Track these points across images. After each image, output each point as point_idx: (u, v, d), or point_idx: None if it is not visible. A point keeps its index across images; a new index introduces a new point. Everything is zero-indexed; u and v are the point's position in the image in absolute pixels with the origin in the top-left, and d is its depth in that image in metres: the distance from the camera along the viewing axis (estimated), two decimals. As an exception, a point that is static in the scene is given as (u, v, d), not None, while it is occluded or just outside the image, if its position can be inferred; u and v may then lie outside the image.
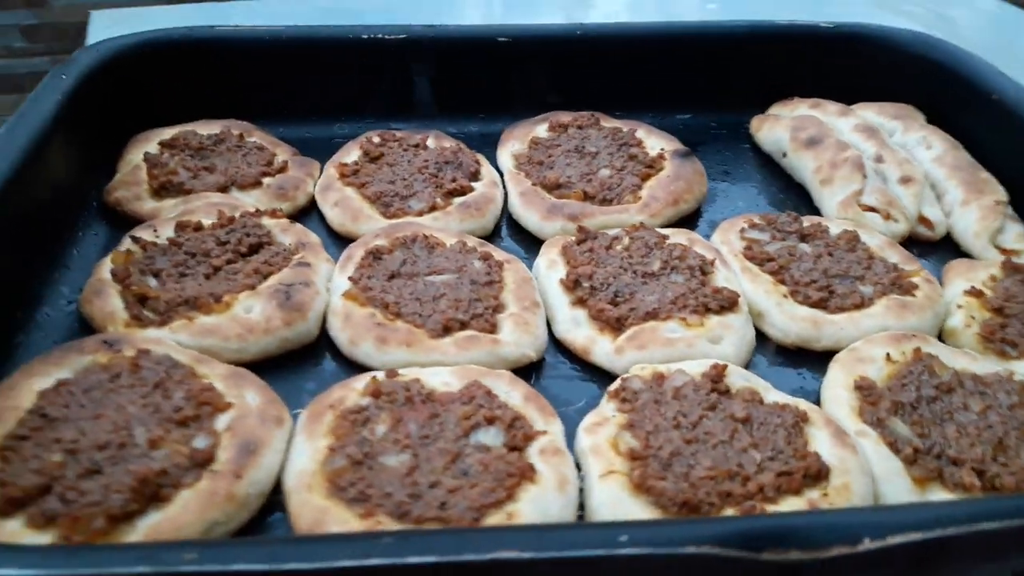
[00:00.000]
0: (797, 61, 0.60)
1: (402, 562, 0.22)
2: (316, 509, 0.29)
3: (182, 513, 0.28)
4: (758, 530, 0.24)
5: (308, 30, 0.55)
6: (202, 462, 0.29)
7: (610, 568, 0.23)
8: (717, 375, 0.35)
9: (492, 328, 0.38)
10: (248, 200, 0.45)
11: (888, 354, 0.38)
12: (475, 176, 0.49)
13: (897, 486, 0.32)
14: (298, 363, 0.38)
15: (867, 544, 0.24)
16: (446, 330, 0.38)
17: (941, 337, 0.42)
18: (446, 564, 0.22)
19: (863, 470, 0.32)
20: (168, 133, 0.49)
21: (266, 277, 0.39)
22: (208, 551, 0.22)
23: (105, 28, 0.71)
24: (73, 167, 0.44)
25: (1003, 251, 0.47)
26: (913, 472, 0.33)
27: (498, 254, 0.43)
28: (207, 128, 0.50)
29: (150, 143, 0.48)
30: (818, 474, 0.31)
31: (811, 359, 0.41)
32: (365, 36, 0.54)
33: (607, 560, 0.23)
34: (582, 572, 0.23)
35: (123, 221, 0.45)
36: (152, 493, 0.28)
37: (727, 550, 0.23)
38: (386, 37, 0.55)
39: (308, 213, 0.48)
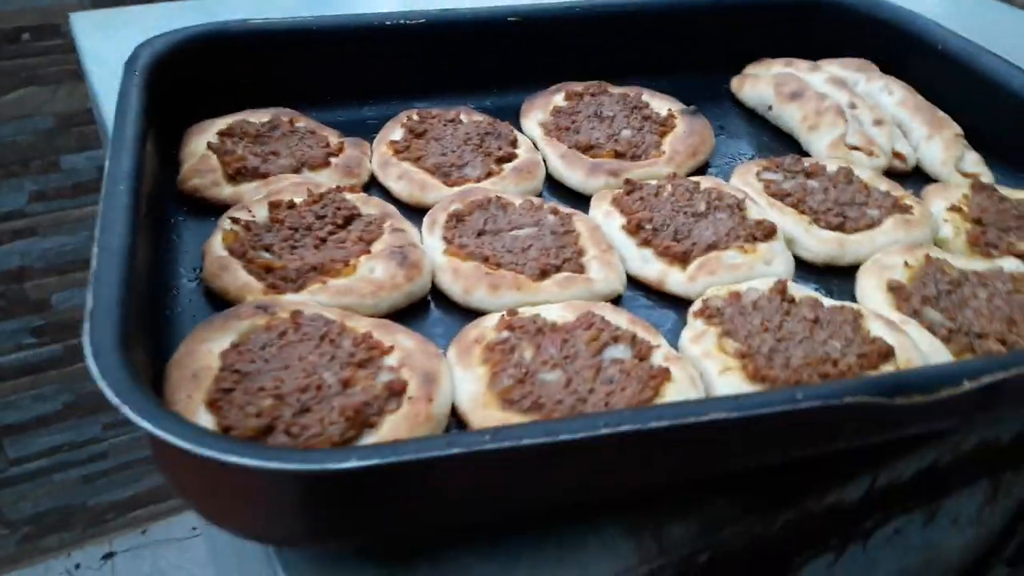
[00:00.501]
0: (765, 27, 0.67)
1: (647, 427, 0.27)
2: (500, 420, 0.34)
3: (394, 433, 0.32)
4: (889, 382, 0.30)
5: (334, 19, 0.57)
6: (398, 391, 0.34)
7: (791, 420, 0.29)
8: (782, 288, 0.42)
9: (581, 269, 0.44)
10: (321, 179, 0.49)
11: (905, 261, 0.46)
12: (514, 144, 0.54)
13: (942, 358, 0.40)
14: (415, 316, 0.42)
15: (966, 385, 0.31)
16: (543, 274, 0.43)
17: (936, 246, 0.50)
18: (677, 426, 0.27)
19: (916, 348, 0.39)
20: (223, 123, 0.51)
21: (370, 243, 0.43)
22: (498, 433, 0.26)
23: (89, 31, 0.72)
24: (153, 160, 0.46)
25: (965, 175, 0.56)
26: (951, 348, 0.40)
27: (563, 208, 0.48)
28: (257, 116, 0.52)
29: (208, 133, 0.50)
30: (888, 353, 0.38)
31: (838, 274, 0.48)
32: (388, 23, 0.58)
33: (792, 413, 0.28)
34: (770, 424, 0.29)
35: (202, 208, 0.47)
36: (364, 421, 0.32)
37: (872, 398, 0.29)
38: (407, 23, 0.58)
39: (368, 190, 0.52)
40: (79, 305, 1.40)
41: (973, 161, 0.57)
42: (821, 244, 0.48)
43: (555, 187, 0.54)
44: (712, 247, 0.45)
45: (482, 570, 0.31)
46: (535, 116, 0.58)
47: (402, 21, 0.58)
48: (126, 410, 0.26)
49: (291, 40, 0.56)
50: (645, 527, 0.33)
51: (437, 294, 0.43)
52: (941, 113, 0.59)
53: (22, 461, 1.42)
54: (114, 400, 0.27)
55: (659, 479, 0.31)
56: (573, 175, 0.53)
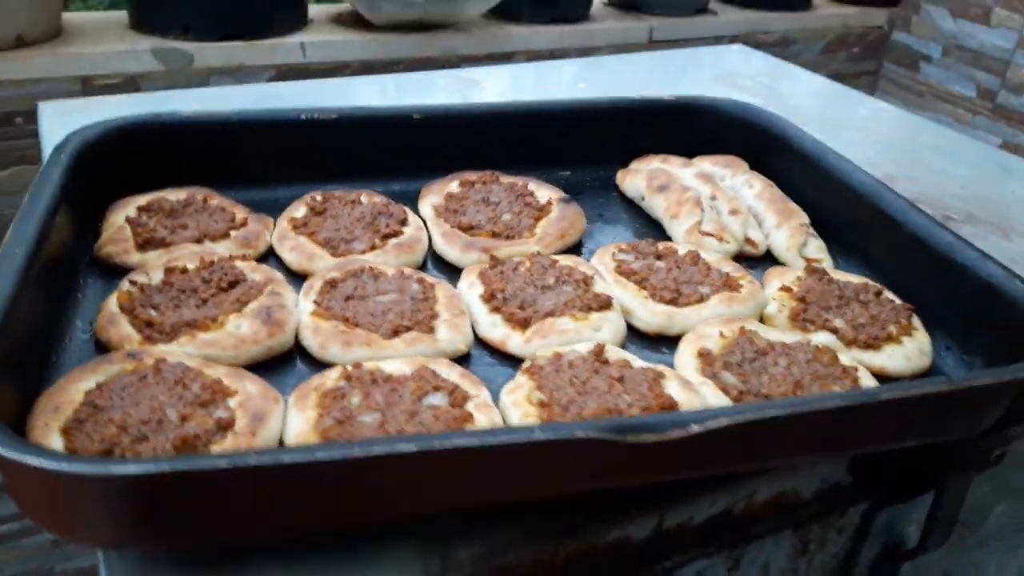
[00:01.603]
0: (649, 126, 0.75)
1: (396, 451, 0.32)
2: (315, 454, 0.39)
3: (216, 461, 0.38)
4: (624, 424, 0.36)
5: (255, 113, 0.66)
6: (225, 426, 0.39)
7: (528, 450, 0.34)
8: (599, 351, 0.48)
9: (431, 330, 0.50)
10: (220, 249, 0.55)
11: (720, 332, 0.52)
12: (403, 222, 0.61)
13: (728, 415, 0.45)
14: (278, 367, 0.48)
15: (694, 428, 0.36)
16: (395, 333, 0.49)
17: (762, 322, 0.56)
18: (428, 451, 0.33)
19: (703, 405, 0.45)
20: (143, 199, 0.59)
21: (246, 304, 0.49)
22: (262, 452, 0.32)
23: (53, 118, 0.80)
24: (68, 229, 0.54)
25: (807, 260, 0.63)
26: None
27: (429, 278, 0.55)
28: (175, 195, 0.60)
29: (129, 208, 0.58)
30: (671, 406, 0.44)
31: (667, 343, 0.54)
32: (304, 116, 0.66)
33: (527, 444, 0.34)
34: (509, 455, 0.35)
35: (113, 271, 0.54)
36: (191, 450, 0.38)
37: (603, 434, 0.35)
38: (320, 117, 0.67)
39: (266, 259, 0.59)
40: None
41: (816, 248, 0.63)
42: (653, 316, 0.54)
43: (439, 262, 0.61)
44: (550, 314, 0.51)
45: (280, 580, 0.36)
46: (430, 200, 0.65)
47: (316, 116, 0.66)
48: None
49: (214, 130, 0.64)
50: (434, 549, 0.38)
51: (303, 351, 0.50)
52: (792, 204, 0.66)
53: (-9, 524, 1.45)
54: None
55: (430, 504, 0.37)
56: (451, 250, 0.60)
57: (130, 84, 1.33)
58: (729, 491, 0.45)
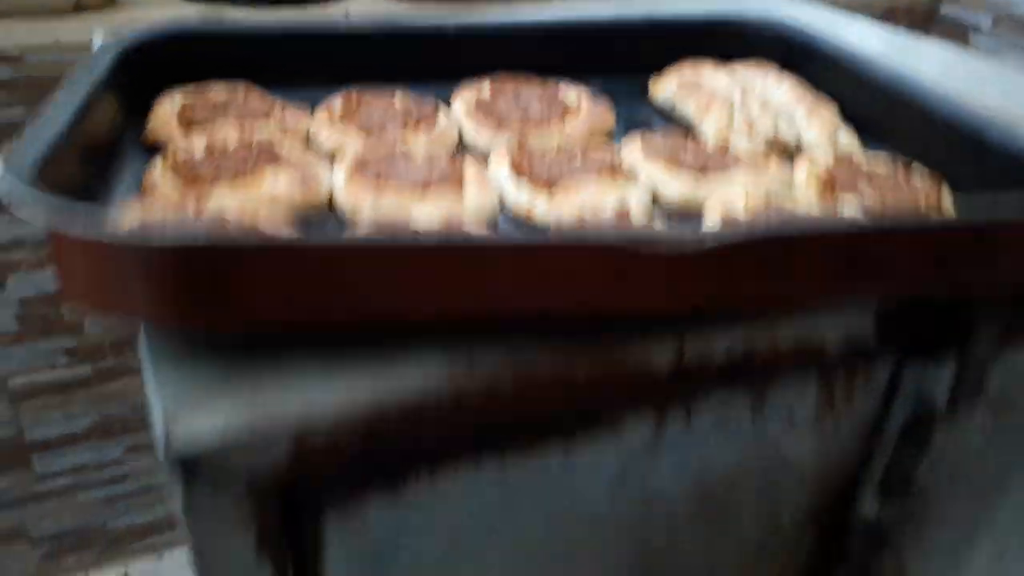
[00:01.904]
0: (685, 41, 0.76)
1: (418, 242, 0.34)
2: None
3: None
4: (640, 235, 0.37)
5: (296, 22, 0.69)
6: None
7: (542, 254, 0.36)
8: (624, 214, 0.49)
9: (460, 187, 0.52)
10: (259, 134, 0.58)
11: (746, 196, 0.52)
12: (435, 114, 0.63)
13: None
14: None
15: (710, 242, 0.37)
16: (425, 187, 0.51)
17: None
18: (450, 245, 0.34)
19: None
20: (188, 90, 0.62)
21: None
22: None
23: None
24: (114, 112, 0.57)
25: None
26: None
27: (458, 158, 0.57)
28: (218, 87, 0.63)
29: (174, 97, 0.61)
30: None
31: (694, 222, 0.54)
32: (343, 28, 0.69)
33: (539, 247, 0.35)
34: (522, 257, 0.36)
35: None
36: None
37: (617, 241, 0.36)
38: (359, 27, 0.69)
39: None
40: (110, 329, 1.52)
41: (847, 135, 0.63)
42: (680, 184, 0.55)
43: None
44: (576, 178, 0.53)
45: (310, 368, 0.38)
46: (461, 98, 0.67)
47: (355, 27, 0.69)
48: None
49: (256, 37, 0.67)
50: (460, 349, 0.39)
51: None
52: (821, 100, 0.66)
53: (46, 478, 1.51)
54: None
55: (451, 305, 0.38)
56: (481, 137, 0.62)
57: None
58: (750, 329, 0.45)
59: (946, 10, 2.02)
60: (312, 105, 0.66)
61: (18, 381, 1.44)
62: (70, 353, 1.49)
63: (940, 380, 0.53)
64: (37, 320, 1.43)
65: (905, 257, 0.43)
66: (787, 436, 0.50)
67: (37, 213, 0.34)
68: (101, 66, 0.54)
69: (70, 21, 1.29)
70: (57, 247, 0.36)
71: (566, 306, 0.39)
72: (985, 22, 1.94)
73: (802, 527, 0.58)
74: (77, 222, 0.34)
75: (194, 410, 0.35)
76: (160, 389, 0.36)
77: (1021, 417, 0.61)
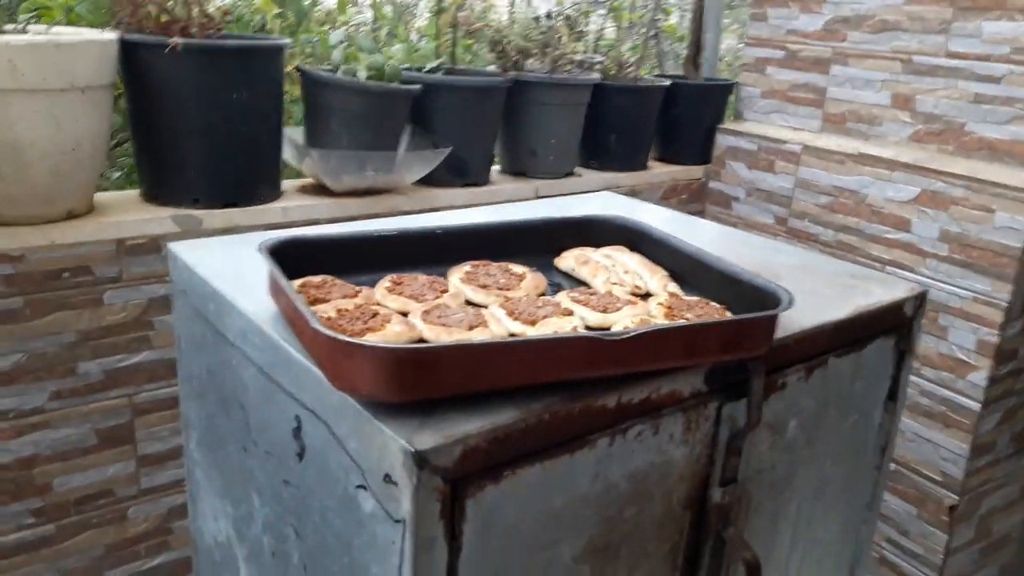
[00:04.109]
0: (570, 232, 1.25)
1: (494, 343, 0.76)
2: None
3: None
4: (593, 334, 0.82)
5: (350, 232, 1.10)
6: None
7: (545, 346, 0.79)
8: (574, 331, 0.94)
9: (486, 325, 0.94)
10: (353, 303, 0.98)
11: (630, 323, 0.99)
12: (445, 288, 1.06)
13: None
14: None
15: (630, 333, 0.82)
16: (470, 328, 0.93)
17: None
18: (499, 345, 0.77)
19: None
20: (299, 281, 1.01)
21: (388, 321, 0.92)
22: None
23: (184, 250, 1.20)
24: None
25: (670, 293, 1.12)
26: (648, 344, 0.93)
27: (474, 309, 1.00)
28: (316, 279, 1.02)
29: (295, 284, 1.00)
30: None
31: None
32: (376, 233, 1.11)
33: (548, 341, 0.79)
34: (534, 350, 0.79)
35: (295, 317, 0.95)
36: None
37: (585, 335, 0.80)
38: (388, 233, 1.12)
39: (373, 310, 1.01)
40: (75, 487, 1.74)
41: (672, 286, 1.13)
42: (596, 317, 1.01)
43: (471, 306, 1.06)
44: (545, 316, 0.97)
45: (467, 411, 0.77)
46: (456, 275, 1.11)
47: (386, 233, 1.12)
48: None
49: (327, 243, 1.08)
50: (527, 400, 0.81)
51: (419, 344, 0.92)
52: (656, 266, 1.17)
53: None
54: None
55: (505, 378, 0.80)
56: (478, 297, 1.05)
57: (152, 244, 1.72)
58: (649, 385, 0.90)
59: (713, 185, 2.75)
60: (362, 284, 1.06)
61: (-3, 534, 1.61)
62: (35, 513, 1.68)
63: (741, 412, 1.00)
64: (8, 484, 1.63)
65: (712, 343, 0.90)
66: (670, 446, 0.94)
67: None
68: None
69: (63, 227, 1.60)
70: (338, 354, 0.74)
71: (567, 375, 0.83)
72: (741, 193, 2.68)
73: (684, 508, 1.01)
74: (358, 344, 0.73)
75: (418, 434, 0.74)
76: (395, 429, 0.74)
77: (788, 436, 1.10)
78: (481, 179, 2.25)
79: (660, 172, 2.65)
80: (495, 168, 2.41)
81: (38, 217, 1.58)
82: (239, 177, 1.81)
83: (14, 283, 1.55)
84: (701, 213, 2.77)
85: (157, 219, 1.72)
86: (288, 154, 1.96)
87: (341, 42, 1.90)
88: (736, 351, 0.92)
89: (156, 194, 1.79)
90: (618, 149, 2.54)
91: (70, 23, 1.86)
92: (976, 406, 2.01)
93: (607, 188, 2.46)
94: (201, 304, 1.08)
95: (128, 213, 1.73)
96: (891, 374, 1.24)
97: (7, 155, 1.47)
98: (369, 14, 1.96)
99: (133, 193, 1.85)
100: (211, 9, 1.70)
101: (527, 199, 2.27)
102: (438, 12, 2.15)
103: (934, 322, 2.10)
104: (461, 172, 2.17)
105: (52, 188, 1.57)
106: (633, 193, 2.52)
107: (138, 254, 1.68)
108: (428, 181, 2.12)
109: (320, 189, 2.00)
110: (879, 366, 1.22)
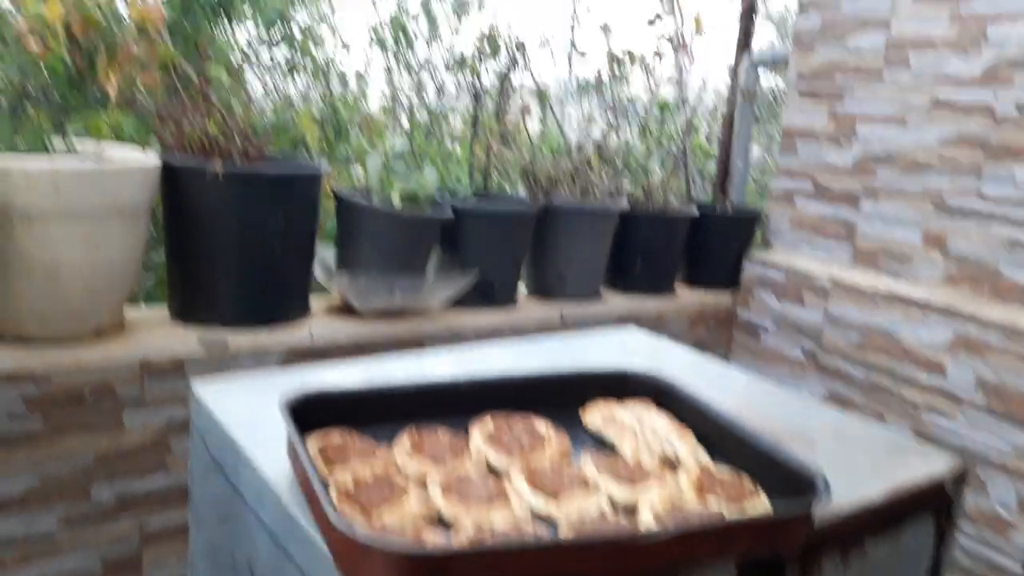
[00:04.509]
0: (597, 384, 1.23)
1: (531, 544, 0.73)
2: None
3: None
4: (613, 535, 0.78)
5: (368, 386, 1.08)
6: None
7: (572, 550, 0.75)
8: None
9: (507, 498, 0.91)
10: (370, 467, 0.95)
11: (655, 504, 0.95)
12: (465, 448, 1.03)
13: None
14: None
15: (654, 537, 0.79)
16: (489, 500, 0.89)
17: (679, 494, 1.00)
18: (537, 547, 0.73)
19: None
20: (319, 439, 0.99)
21: (405, 492, 0.89)
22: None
23: (211, 393, 1.19)
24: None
25: (700, 463, 1.08)
26: (675, 530, 0.88)
27: (494, 478, 0.97)
28: (333, 433, 1.00)
29: (312, 443, 0.97)
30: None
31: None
32: (397, 387, 1.09)
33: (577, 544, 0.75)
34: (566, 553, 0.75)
35: (312, 480, 0.92)
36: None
37: (609, 538, 0.77)
38: (410, 387, 1.10)
39: (391, 472, 0.98)
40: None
41: (702, 453, 1.10)
42: (623, 492, 0.97)
43: (491, 469, 1.03)
44: (568, 490, 0.94)
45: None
46: (477, 433, 1.08)
47: (409, 386, 1.10)
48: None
49: (348, 397, 1.06)
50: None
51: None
52: (685, 430, 1.13)
53: None
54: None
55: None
56: (499, 461, 1.02)
57: (176, 365, 1.72)
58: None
59: (741, 315, 2.73)
60: (380, 435, 1.04)
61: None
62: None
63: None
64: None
65: (744, 539, 0.86)
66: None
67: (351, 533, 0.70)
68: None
69: (91, 347, 1.61)
70: (351, 550, 0.71)
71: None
72: (770, 324, 2.64)
73: None
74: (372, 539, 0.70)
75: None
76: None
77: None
78: (507, 301, 2.25)
79: (687, 298, 2.64)
80: (522, 288, 2.41)
81: (67, 334, 1.59)
82: (270, 298, 1.83)
83: (36, 404, 1.54)
84: (729, 342, 2.74)
85: (184, 340, 1.72)
86: (318, 273, 1.98)
87: (377, 168, 1.94)
88: (769, 546, 0.87)
89: (185, 312, 1.80)
90: (644, 274, 2.54)
91: (115, 138, 1.92)
92: (1019, 569, 1.91)
93: (632, 313, 2.45)
94: (220, 455, 1.06)
95: (155, 332, 1.73)
96: (931, 554, 1.17)
97: (43, 275, 1.49)
98: (402, 142, 2.01)
99: (162, 311, 1.87)
100: (252, 133, 1.75)
101: (552, 322, 2.27)
102: (472, 141, 2.20)
103: (971, 472, 2.02)
104: (488, 295, 2.17)
105: (84, 306, 1.58)
106: (659, 318, 2.51)
107: (161, 375, 1.68)
108: (455, 303, 2.12)
109: (348, 309, 2.00)
110: (919, 546, 1.16)
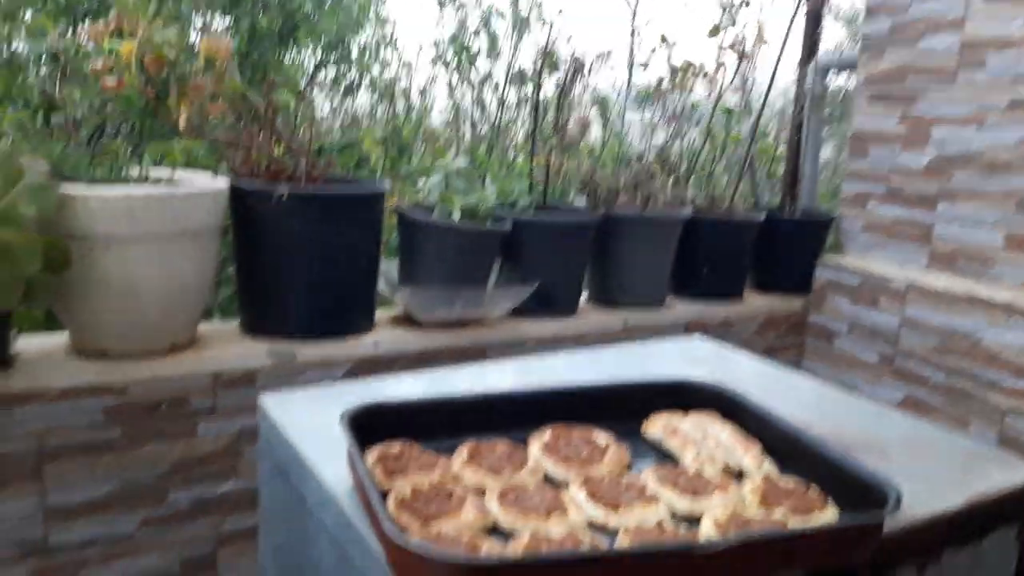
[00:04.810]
0: (661, 394, 1.21)
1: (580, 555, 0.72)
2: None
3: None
4: (672, 545, 0.77)
5: (429, 398, 1.09)
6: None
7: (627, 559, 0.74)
8: (660, 524, 0.89)
9: (565, 511, 0.90)
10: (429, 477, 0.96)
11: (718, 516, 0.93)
12: (524, 461, 1.03)
13: (733, 547, 0.85)
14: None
15: (718, 546, 0.77)
16: (548, 512, 0.89)
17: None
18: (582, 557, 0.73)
19: (720, 542, 0.85)
20: (376, 450, 1.00)
21: (463, 503, 0.89)
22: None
23: (275, 404, 1.22)
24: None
25: (765, 474, 1.05)
26: (738, 542, 0.86)
27: (551, 488, 0.96)
28: (393, 445, 1.01)
29: (373, 454, 0.99)
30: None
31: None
32: (458, 398, 1.10)
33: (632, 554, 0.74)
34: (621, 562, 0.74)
35: (372, 490, 0.94)
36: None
37: (668, 548, 0.75)
38: (470, 398, 1.11)
39: (450, 482, 0.99)
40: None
41: (767, 465, 1.07)
42: (684, 503, 0.95)
43: (549, 481, 1.02)
44: (629, 502, 0.92)
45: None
46: (537, 442, 1.08)
47: (469, 397, 1.11)
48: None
49: (405, 409, 1.08)
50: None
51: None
52: (749, 440, 1.11)
53: None
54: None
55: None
56: (560, 473, 1.01)
57: (247, 377, 1.77)
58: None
59: (814, 320, 2.65)
60: (439, 447, 1.04)
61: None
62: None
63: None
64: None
65: (810, 551, 0.83)
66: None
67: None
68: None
69: (165, 361, 1.67)
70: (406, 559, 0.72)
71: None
72: (843, 328, 2.56)
73: None
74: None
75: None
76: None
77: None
78: (569, 310, 2.24)
79: (756, 304, 2.58)
80: (583, 296, 2.40)
81: (143, 350, 1.66)
82: (336, 311, 1.86)
83: (116, 414, 1.61)
84: (800, 347, 2.66)
85: (254, 353, 1.77)
86: (382, 287, 2.02)
87: (438, 184, 1.97)
88: (837, 558, 0.84)
89: (255, 327, 1.86)
90: (711, 280, 2.50)
91: (188, 165, 2.00)
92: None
93: (698, 319, 2.41)
94: (285, 463, 1.08)
95: (226, 346, 1.79)
96: (1014, 567, 1.12)
97: (122, 295, 1.56)
98: (463, 159, 2.03)
99: (232, 326, 1.93)
100: (316, 155, 1.80)
101: (614, 330, 2.25)
102: (531, 154, 2.21)
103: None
104: (549, 304, 2.17)
105: (160, 324, 1.65)
106: (727, 325, 2.46)
107: (233, 386, 1.73)
108: (516, 312, 2.12)
109: (411, 321, 2.03)
110: (1000, 559, 1.10)
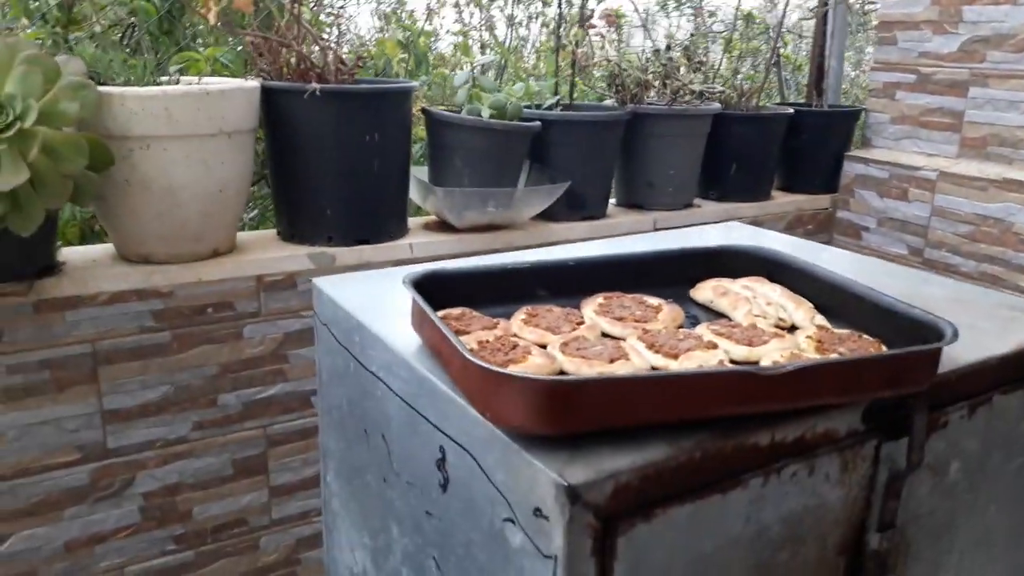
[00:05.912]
0: (709, 261, 1.22)
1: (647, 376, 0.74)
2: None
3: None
4: (747, 368, 0.79)
5: (487, 265, 1.11)
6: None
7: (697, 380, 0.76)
8: (720, 364, 0.91)
9: (628, 358, 0.92)
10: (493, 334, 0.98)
11: (779, 356, 0.95)
12: (581, 320, 1.05)
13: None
14: (553, 382, 0.90)
15: (787, 368, 0.79)
16: (611, 361, 0.91)
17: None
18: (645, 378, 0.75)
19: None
20: (441, 313, 1.02)
21: (529, 353, 0.92)
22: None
23: (332, 285, 1.24)
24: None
25: (817, 326, 1.07)
26: (800, 379, 0.88)
27: (612, 341, 0.98)
28: (453, 311, 1.04)
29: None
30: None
31: (752, 365, 0.96)
32: (510, 266, 1.12)
33: (700, 375, 0.76)
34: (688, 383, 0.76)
35: (437, 349, 0.96)
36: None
37: (738, 369, 0.77)
38: (522, 266, 1.12)
39: (511, 342, 1.01)
40: (213, 515, 1.81)
41: (820, 319, 1.08)
42: (741, 351, 0.97)
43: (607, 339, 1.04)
44: (688, 350, 0.94)
45: (616, 446, 0.76)
46: (589, 307, 1.10)
47: (520, 265, 1.12)
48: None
49: (465, 276, 1.09)
50: (674, 437, 0.78)
51: (560, 377, 0.91)
52: (800, 297, 1.12)
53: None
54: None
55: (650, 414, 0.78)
56: (615, 330, 1.03)
57: (289, 280, 1.79)
58: (803, 423, 0.85)
59: (841, 215, 2.65)
60: (494, 315, 1.07)
61: (134, 569, 1.70)
62: (177, 540, 1.76)
63: (900, 452, 0.94)
64: (155, 511, 1.72)
65: (872, 378, 0.85)
66: (826, 488, 0.89)
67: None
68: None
69: (209, 264, 1.69)
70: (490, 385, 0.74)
71: (719, 411, 0.80)
72: (871, 223, 2.56)
73: (838, 554, 0.95)
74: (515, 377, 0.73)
75: (569, 468, 0.73)
76: (546, 463, 0.73)
77: (949, 479, 1.02)
78: (598, 212, 2.24)
79: (784, 202, 2.57)
80: (611, 201, 2.40)
81: (187, 255, 1.68)
82: (370, 215, 1.88)
83: (164, 318, 1.64)
84: (828, 243, 2.66)
85: (294, 256, 1.79)
86: (413, 192, 2.02)
87: (465, 82, 1.95)
88: (897, 387, 0.86)
89: (292, 233, 1.87)
90: (739, 179, 2.49)
91: (214, 73, 1.99)
92: None
93: (727, 218, 2.40)
94: (345, 337, 1.11)
95: (267, 251, 1.81)
96: (1063, 413, 1.14)
97: (164, 197, 1.57)
98: (487, 56, 2.00)
99: (270, 232, 1.95)
100: (345, 55, 1.78)
101: (645, 231, 2.25)
102: (556, 50, 2.18)
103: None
104: (579, 206, 2.17)
105: (201, 228, 1.67)
106: (755, 224, 2.45)
107: (276, 290, 1.76)
108: (546, 215, 2.13)
109: (443, 225, 2.04)
110: (1050, 404, 1.12)
